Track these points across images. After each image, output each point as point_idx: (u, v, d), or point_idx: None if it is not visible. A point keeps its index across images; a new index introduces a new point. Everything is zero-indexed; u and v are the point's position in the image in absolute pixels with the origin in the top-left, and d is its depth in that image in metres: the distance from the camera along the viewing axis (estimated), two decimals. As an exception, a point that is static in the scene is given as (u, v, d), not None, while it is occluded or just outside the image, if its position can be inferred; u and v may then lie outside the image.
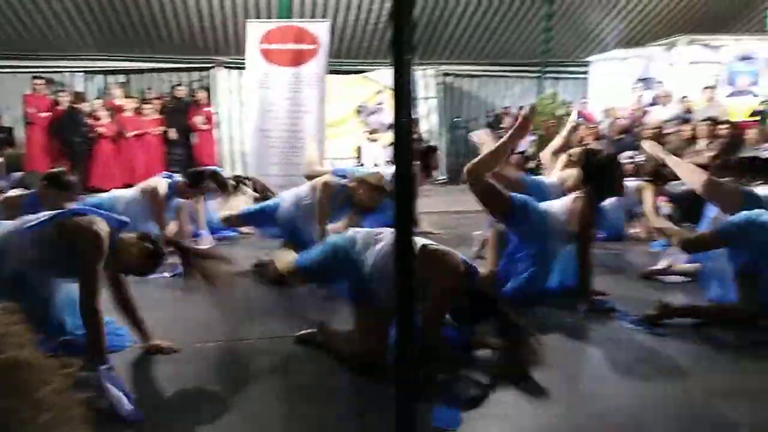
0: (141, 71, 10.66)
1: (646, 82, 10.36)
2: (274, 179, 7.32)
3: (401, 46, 1.66)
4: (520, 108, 11.65)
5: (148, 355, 2.75)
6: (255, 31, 7.34)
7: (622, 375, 2.66)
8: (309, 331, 2.89)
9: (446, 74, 11.56)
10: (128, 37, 10.11)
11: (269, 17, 9.37)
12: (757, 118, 8.41)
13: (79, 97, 9.50)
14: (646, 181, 5.34)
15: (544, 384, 2.48)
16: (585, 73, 11.72)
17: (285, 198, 4.36)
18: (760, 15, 10.72)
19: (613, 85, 10.76)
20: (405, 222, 1.74)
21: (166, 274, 3.86)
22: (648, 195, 5.19)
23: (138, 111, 9.61)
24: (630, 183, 5.39)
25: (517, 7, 10.43)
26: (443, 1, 10.21)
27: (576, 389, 2.52)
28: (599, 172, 3.47)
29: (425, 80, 11.02)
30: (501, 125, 10.92)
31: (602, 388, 2.52)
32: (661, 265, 3.85)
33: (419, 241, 2.55)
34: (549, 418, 2.23)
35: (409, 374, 1.79)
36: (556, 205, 3.52)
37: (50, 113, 8.97)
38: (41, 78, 9.47)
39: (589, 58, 11.48)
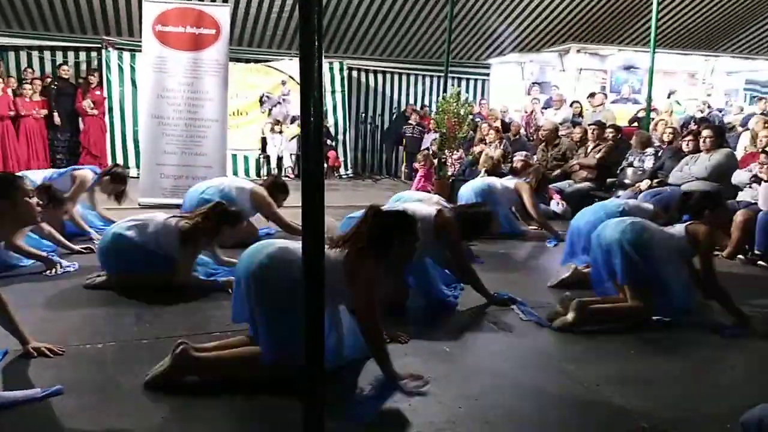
0: (18, 48, 9.69)
1: (541, 85, 10.91)
2: (169, 169, 6.95)
3: (310, 34, 1.59)
4: (423, 106, 11.92)
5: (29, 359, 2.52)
6: (150, 11, 6.89)
7: (518, 366, 2.75)
8: None
9: (351, 69, 11.52)
10: (3, 9, 9.16)
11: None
12: (636, 124, 9.09)
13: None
14: (526, 181, 5.82)
15: (446, 377, 2.51)
16: (486, 74, 12.14)
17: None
18: (642, 27, 11.59)
19: (510, 87, 11.24)
20: (315, 219, 1.68)
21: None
22: (527, 194, 5.67)
23: (17, 92, 8.78)
24: (509, 182, 5.74)
25: (420, 6, 10.58)
26: (348, -3, 10.14)
27: (476, 380, 2.57)
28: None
29: (331, 74, 10.92)
30: (408, 121, 11.09)
31: (500, 380, 2.59)
32: (566, 274, 4.03)
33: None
34: (451, 409, 2.26)
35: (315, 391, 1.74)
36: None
37: None
38: None
39: (489, 60, 11.89)
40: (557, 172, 7.47)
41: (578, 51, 10.50)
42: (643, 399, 2.44)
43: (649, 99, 8.09)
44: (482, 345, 3.04)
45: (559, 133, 8.10)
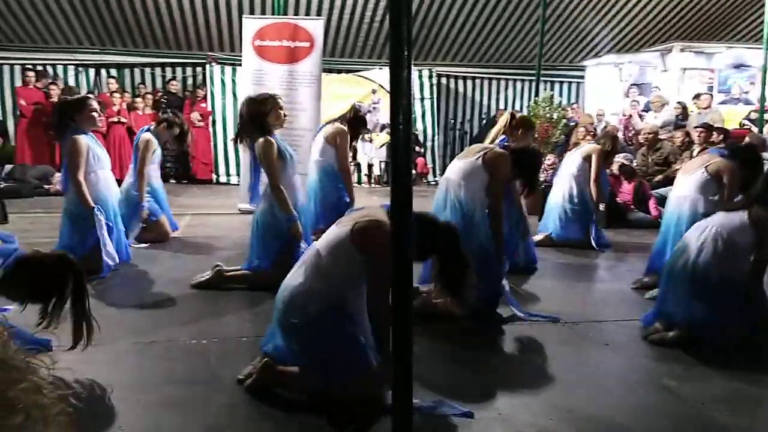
0: (134, 65, 10.56)
1: (640, 87, 10.41)
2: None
3: (400, 44, 1.64)
4: (514, 110, 11.71)
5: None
6: (250, 26, 7.28)
7: (614, 379, 2.64)
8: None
9: (440, 75, 11.54)
10: (120, 31, 10.01)
11: (264, 13, 9.32)
12: (749, 126, 8.45)
13: (70, 90, 9.41)
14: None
15: (537, 387, 2.46)
16: (580, 77, 11.76)
17: None
18: (755, 23, 10.79)
19: (607, 90, 10.80)
20: (404, 226, 1.71)
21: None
22: (596, 156, 5.40)
23: (131, 106, 9.54)
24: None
25: (511, 10, 10.44)
26: (438, 3, 10.19)
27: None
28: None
29: (420, 81, 11.01)
30: (496, 127, 10.90)
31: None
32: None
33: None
34: (542, 420, 2.21)
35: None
36: None
37: (41, 106, 8.88)
38: (33, 70, 9.38)
39: (584, 63, 11.51)
40: (659, 177, 7.11)
41: (682, 50, 9.92)
42: (751, 419, 2.28)
43: (763, 99, 7.52)
44: (575, 356, 2.95)
45: (660, 136, 7.70)
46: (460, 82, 11.97)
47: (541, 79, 9.34)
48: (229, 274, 3.87)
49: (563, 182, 5.49)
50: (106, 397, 2.32)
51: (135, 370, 2.63)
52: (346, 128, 5.06)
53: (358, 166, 10.68)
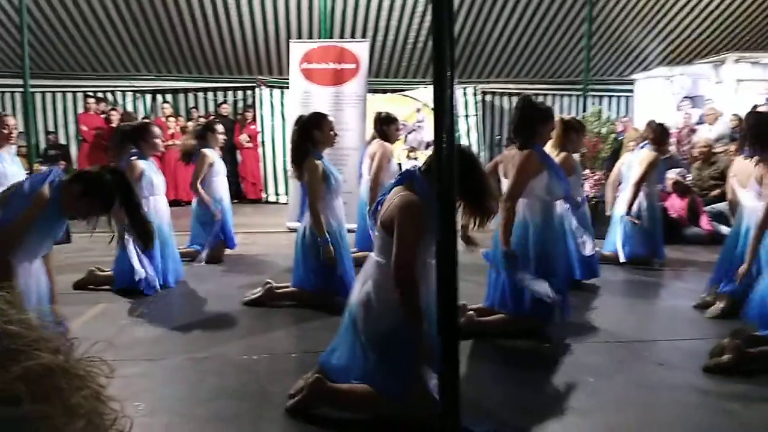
0: (187, 90, 10.97)
1: (693, 100, 10.10)
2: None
3: (443, 61, 1.66)
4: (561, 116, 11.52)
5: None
6: (297, 50, 7.47)
7: (670, 401, 2.55)
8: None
9: (485, 93, 11.52)
10: (175, 57, 10.43)
11: (311, 37, 9.54)
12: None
13: (129, 115, 9.85)
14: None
15: (589, 408, 2.40)
16: (629, 90, 11.51)
17: None
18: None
19: (658, 103, 10.52)
20: (448, 242, 1.72)
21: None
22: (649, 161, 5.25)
23: (185, 130, 9.89)
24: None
25: (556, 26, 10.35)
26: (482, 21, 10.21)
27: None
28: None
29: (465, 98, 11.01)
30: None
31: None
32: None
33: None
34: None
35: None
36: None
37: (101, 131, 9.32)
38: (93, 97, 9.87)
39: (633, 76, 11.27)
40: (716, 192, 6.85)
41: (736, 60, 9.60)
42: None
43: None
44: (629, 376, 2.87)
45: (715, 150, 7.44)
46: (505, 99, 11.90)
47: (589, 93, 9.21)
48: (279, 291, 3.94)
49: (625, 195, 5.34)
50: (162, 409, 2.39)
51: (189, 385, 2.71)
52: (382, 143, 5.11)
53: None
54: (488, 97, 11.72)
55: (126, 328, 3.47)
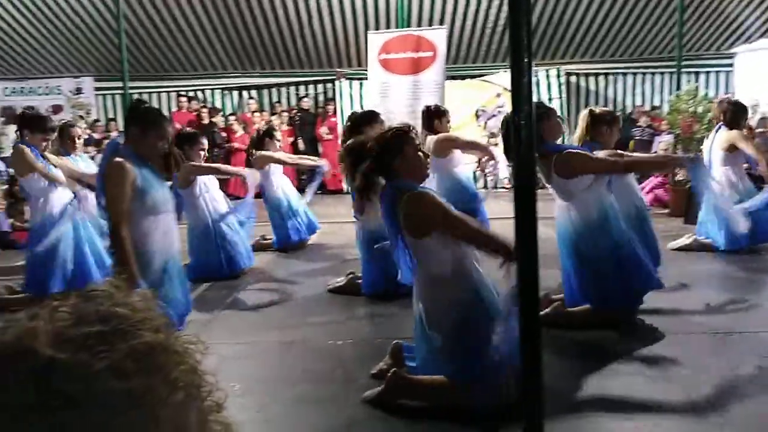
0: (270, 86, 11.34)
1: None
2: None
3: (520, 47, 1.64)
4: (653, 107, 10.93)
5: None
6: (375, 41, 7.53)
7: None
8: None
9: (569, 74, 11.09)
10: (258, 54, 10.81)
11: (388, 27, 9.58)
12: None
13: (216, 111, 10.33)
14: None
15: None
16: (729, 65, 10.72)
17: None
18: None
19: (762, 78, 9.73)
20: (528, 229, 1.70)
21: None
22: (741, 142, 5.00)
23: (269, 123, 10.25)
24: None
25: (644, 1, 9.78)
26: (564, 1, 9.83)
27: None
28: None
29: (548, 81, 10.66)
30: (637, 124, 10.22)
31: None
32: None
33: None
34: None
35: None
36: None
37: (194, 128, 9.84)
38: (185, 96, 10.42)
39: (733, 50, 10.48)
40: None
41: None
42: None
43: None
44: (727, 368, 2.70)
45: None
46: (591, 80, 11.41)
47: (683, 70, 8.67)
48: (361, 280, 4.03)
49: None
50: (254, 390, 2.52)
51: (277, 367, 2.84)
52: (431, 135, 5.00)
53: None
54: (573, 79, 11.28)
55: (219, 312, 3.68)
